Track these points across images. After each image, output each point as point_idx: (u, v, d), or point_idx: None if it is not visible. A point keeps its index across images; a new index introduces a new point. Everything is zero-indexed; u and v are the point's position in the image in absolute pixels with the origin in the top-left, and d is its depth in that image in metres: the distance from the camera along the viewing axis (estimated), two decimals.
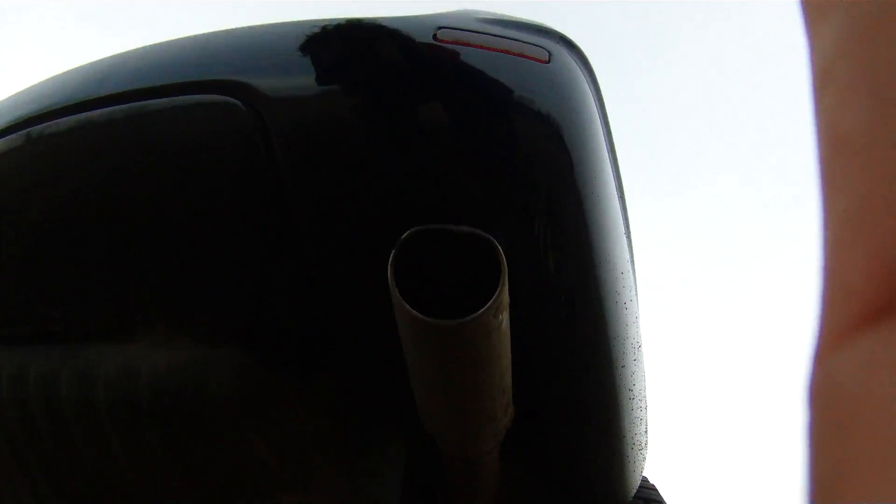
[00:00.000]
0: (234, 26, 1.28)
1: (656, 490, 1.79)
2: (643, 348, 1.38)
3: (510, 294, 1.04)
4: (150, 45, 1.30)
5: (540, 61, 1.11)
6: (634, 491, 1.52)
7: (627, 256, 1.30)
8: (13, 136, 1.29)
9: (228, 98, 1.15)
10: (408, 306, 1.01)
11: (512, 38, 1.11)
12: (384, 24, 1.14)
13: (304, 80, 1.15)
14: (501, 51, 1.10)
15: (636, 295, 1.37)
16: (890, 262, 0.16)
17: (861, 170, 0.18)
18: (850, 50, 0.19)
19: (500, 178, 1.10)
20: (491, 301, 1.00)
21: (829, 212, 0.18)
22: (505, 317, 1.05)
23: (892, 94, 0.18)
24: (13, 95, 1.39)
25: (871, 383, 0.16)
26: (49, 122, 1.27)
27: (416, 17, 1.15)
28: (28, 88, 1.38)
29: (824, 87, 0.20)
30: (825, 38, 0.20)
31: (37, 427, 1.37)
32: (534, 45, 1.11)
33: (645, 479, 1.76)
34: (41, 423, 1.37)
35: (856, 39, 0.19)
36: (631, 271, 1.33)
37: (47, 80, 1.37)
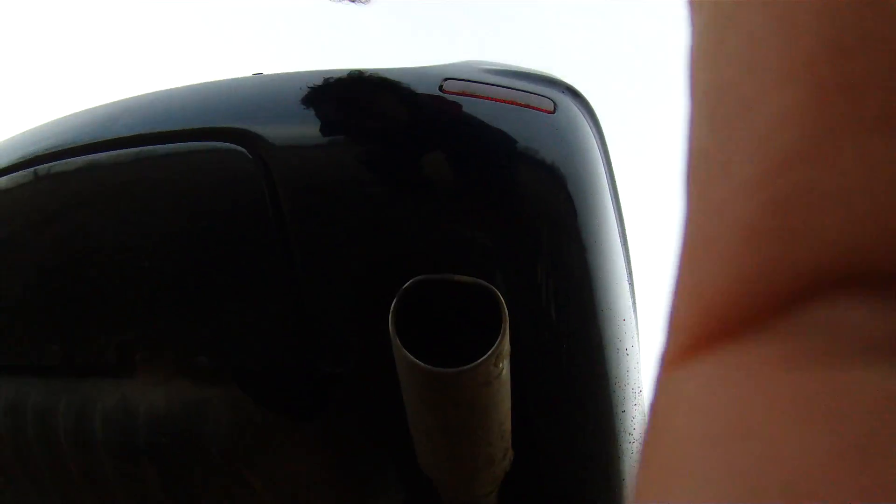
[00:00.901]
0: (239, 75, 1.29)
1: None
2: (643, 393, 1.38)
3: (511, 342, 1.03)
4: (160, 91, 1.32)
5: (545, 111, 1.11)
6: None
7: (630, 303, 1.30)
8: (20, 173, 1.30)
9: (235, 145, 1.15)
10: (408, 354, 1.01)
11: (517, 89, 1.12)
12: (390, 76, 1.14)
13: (309, 129, 1.16)
14: (507, 101, 1.11)
15: (638, 341, 1.37)
16: (741, 279, 0.15)
17: (714, 182, 0.17)
18: (702, 51, 0.19)
19: (502, 227, 1.11)
20: (491, 350, 1.00)
21: (687, 222, 0.17)
22: (505, 365, 1.05)
23: (731, 107, 0.17)
24: (21, 134, 1.40)
25: (690, 406, 0.15)
26: (56, 162, 1.28)
27: (421, 68, 1.15)
28: (36, 127, 1.40)
29: (691, 94, 0.19)
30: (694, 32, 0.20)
31: (33, 458, 1.37)
32: (539, 95, 1.12)
33: None
34: (37, 454, 1.36)
35: (710, 37, 0.18)
36: (633, 318, 1.33)
37: (56, 119, 1.39)
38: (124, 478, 1.32)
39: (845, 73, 0.15)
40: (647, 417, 0.17)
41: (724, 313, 0.15)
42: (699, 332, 0.16)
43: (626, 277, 1.29)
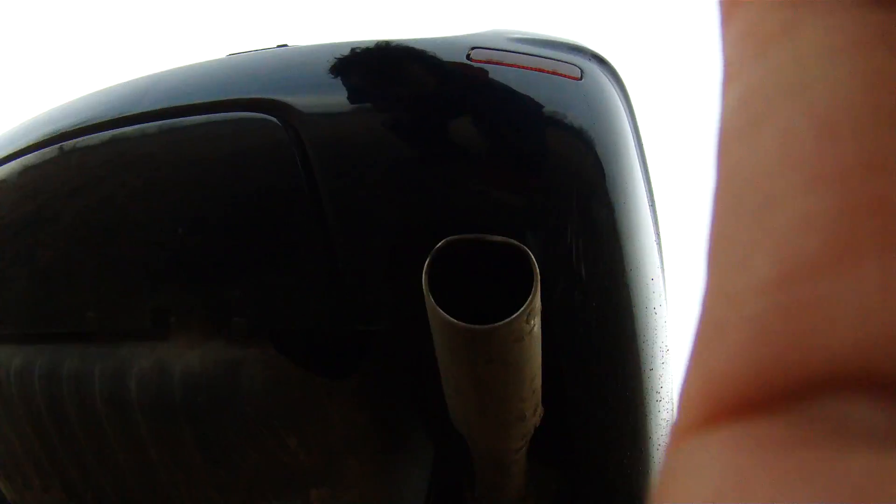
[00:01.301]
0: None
1: None
2: (671, 352, 1.39)
3: (542, 300, 1.05)
4: (187, 66, 1.34)
5: (572, 78, 1.13)
6: None
7: (658, 263, 1.32)
8: (47, 148, 1.33)
9: (265, 115, 1.17)
10: (441, 312, 1.03)
11: (544, 57, 1.13)
12: (417, 45, 1.16)
13: (338, 98, 1.19)
14: (534, 69, 1.13)
15: (666, 300, 1.38)
16: (751, 369, 0.16)
17: (733, 272, 0.16)
18: (734, 130, 0.18)
19: (532, 189, 1.13)
20: (523, 307, 1.02)
21: (704, 304, 0.17)
22: (536, 322, 1.07)
23: (758, 200, 0.16)
24: (48, 111, 1.42)
25: (694, 474, 0.16)
26: (83, 137, 1.30)
27: (449, 37, 1.17)
28: (63, 105, 1.41)
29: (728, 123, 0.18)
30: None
31: (69, 423, 1.40)
32: (566, 62, 1.13)
33: None
34: (73, 420, 1.39)
35: (744, 118, 0.18)
36: (661, 277, 1.35)
37: (84, 96, 1.41)
38: (160, 438, 1.35)
39: (877, 191, 0.15)
40: (654, 483, 0.18)
41: (733, 397, 0.16)
42: (709, 410, 0.16)
43: (654, 239, 1.31)
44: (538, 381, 1.14)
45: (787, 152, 0.16)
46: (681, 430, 0.16)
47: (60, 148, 1.32)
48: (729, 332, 0.16)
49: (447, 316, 1.03)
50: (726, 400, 0.15)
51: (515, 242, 1.06)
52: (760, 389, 0.15)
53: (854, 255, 0.15)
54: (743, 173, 0.17)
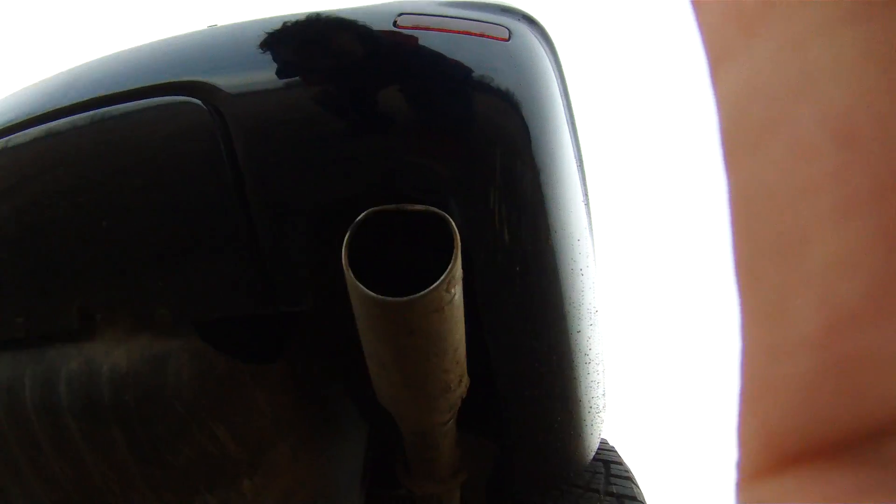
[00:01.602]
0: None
1: (615, 451, 1.82)
2: (601, 313, 1.40)
3: (464, 267, 1.04)
4: (111, 54, 1.32)
5: (500, 40, 1.12)
6: (593, 453, 1.55)
7: (585, 224, 1.33)
8: None
9: (188, 97, 1.15)
10: (360, 285, 1.02)
11: (472, 20, 1.12)
12: (344, 15, 1.14)
13: (264, 75, 1.17)
14: (462, 32, 1.12)
15: (594, 261, 1.39)
16: (804, 424, 0.16)
17: (772, 326, 0.16)
18: (741, 152, 0.16)
19: (455, 154, 1.13)
20: (442, 276, 1.01)
21: (744, 359, 0.17)
22: (458, 290, 1.06)
23: (786, 239, 0.15)
24: None
25: None
26: (12, 135, 1.28)
27: (377, 5, 1.16)
28: None
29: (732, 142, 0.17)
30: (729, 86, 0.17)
31: (2, 432, 1.36)
32: (494, 24, 1.13)
33: (604, 442, 1.79)
34: (5, 427, 1.36)
35: (751, 139, 0.16)
36: (589, 238, 1.35)
37: (15, 92, 1.39)
38: (92, 441, 1.32)
39: None
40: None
41: (795, 447, 0.16)
42: (773, 458, 0.16)
43: (581, 200, 1.30)
44: (462, 351, 1.13)
45: (809, 171, 0.15)
46: (747, 474, 0.16)
47: None
48: (775, 391, 0.16)
49: (366, 290, 1.01)
50: (788, 450, 0.16)
51: (435, 210, 1.05)
52: (822, 439, 0.15)
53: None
54: (763, 196, 0.16)
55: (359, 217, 1.05)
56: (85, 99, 1.24)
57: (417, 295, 1.01)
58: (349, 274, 1.02)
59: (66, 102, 1.26)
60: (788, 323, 0.15)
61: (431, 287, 1.01)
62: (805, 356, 0.15)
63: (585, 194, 1.38)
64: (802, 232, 0.15)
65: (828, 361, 0.15)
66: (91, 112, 1.23)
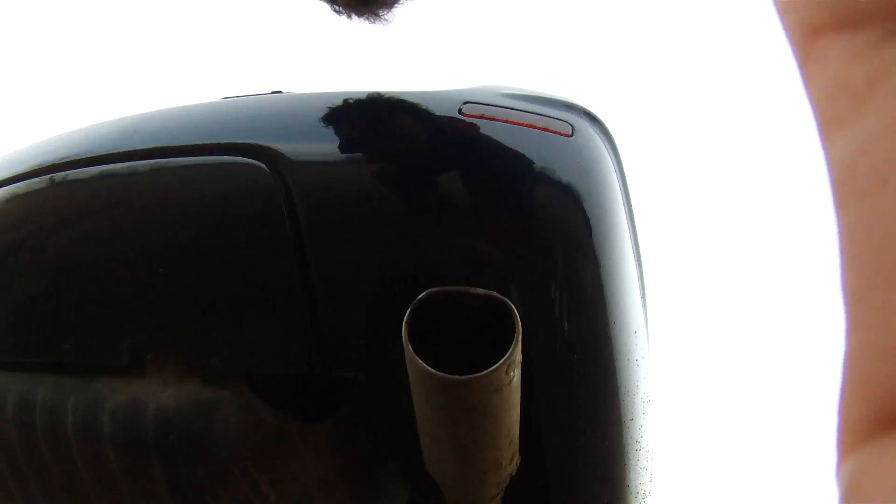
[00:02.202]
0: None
1: None
2: (653, 402, 1.39)
3: (523, 352, 1.05)
4: (180, 106, 1.35)
5: (563, 135, 1.14)
6: None
7: (641, 317, 1.33)
8: (38, 178, 1.33)
9: (253, 160, 1.17)
10: (420, 361, 1.03)
11: (536, 113, 1.14)
12: (409, 98, 1.17)
13: (327, 147, 1.19)
14: (525, 125, 1.14)
15: (649, 352, 1.39)
16: None
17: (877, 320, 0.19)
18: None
19: (517, 243, 1.14)
20: (503, 359, 1.02)
21: (852, 335, 0.20)
22: (516, 373, 1.07)
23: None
24: (41, 141, 1.42)
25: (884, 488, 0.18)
26: (73, 171, 1.30)
27: (442, 91, 1.18)
28: (56, 136, 1.42)
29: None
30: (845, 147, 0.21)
31: (40, 453, 1.38)
32: (557, 119, 1.14)
33: None
34: (45, 450, 1.38)
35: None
36: (645, 331, 1.36)
37: (77, 129, 1.41)
38: (130, 474, 1.34)
39: None
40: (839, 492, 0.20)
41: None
42: (876, 421, 0.19)
43: (639, 292, 1.31)
44: (516, 431, 1.13)
45: None
46: (853, 437, 0.19)
47: (51, 179, 1.32)
48: (886, 372, 0.18)
49: (426, 366, 1.02)
50: (890, 412, 0.18)
51: (497, 295, 1.06)
52: None
53: None
54: (872, 234, 0.19)
55: (421, 294, 1.06)
56: (151, 147, 1.27)
57: (478, 374, 1.02)
58: (409, 349, 1.04)
59: (130, 147, 1.28)
60: (889, 333, 0.18)
61: (492, 368, 1.02)
62: None
63: (643, 288, 1.39)
64: None
65: None
66: (153, 160, 1.25)
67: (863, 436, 0.19)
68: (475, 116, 1.15)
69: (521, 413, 1.12)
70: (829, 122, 0.20)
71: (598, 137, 1.19)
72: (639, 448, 1.31)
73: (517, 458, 1.19)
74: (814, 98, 0.21)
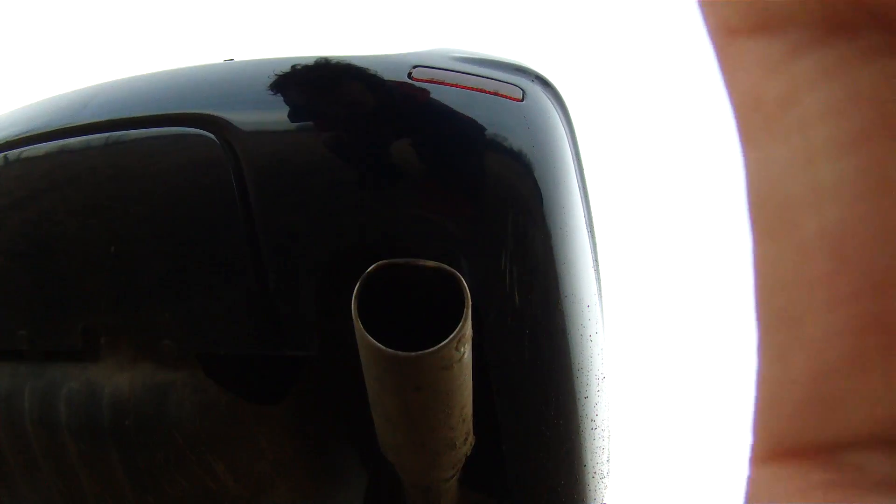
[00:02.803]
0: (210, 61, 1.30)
1: None
2: (608, 379, 1.39)
3: (474, 327, 1.04)
4: (130, 77, 1.32)
5: (514, 99, 1.12)
6: None
7: (595, 290, 1.32)
8: None
9: (203, 131, 1.15)
10: (369, 337, 1.01)
11: (487, 77, 1.13)
12: (358, 62, 1.15)
13: (277, 116, 1.17)
14: (475, 89, 1.12)
15: (603, 328, 1.38)
16: (803, 430, 0.20)
17: (775, 365, 0.21)
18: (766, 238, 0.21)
19: (467, 213, 1.12)
20: (453, 334, 1.01)
21: (761, 364, 0.21)
22: (467, 349, 1.05)
23: (789, 314, 0.21)
24: None
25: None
26: (26, 147, 1.29)
27: (391, 55, 1.16)
28: (5, 114, 1.39)
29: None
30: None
31: None
32: (508, 83, 1.13)
33: None
34: (3, 438, 1.36)
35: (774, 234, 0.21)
36: (598, 304, 1.35)
37: (25, 106, 1.39)
38: (88, 460, 1.32)
39: (881, 312, 0.19)
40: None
41: (792, 445, 0.20)
42: (777, 449, 0.21)
43: (592, 265, 1.30)
44: (469, 410, 1.12)
45: (810, 269, 0.20)
46: (759, 456, 0.21)
47: (5, 157, 1.30)
48: (784, 403, 0.20)
49: (375, 342, 1.01)
50: (787, 446, 0.20)
51: (447, 267, 1.05)
52: (810, 444, 0.20)
53: (865, 364, 0.19)
54: (779, 278, 0.20)
55: (369, 268, 1.04)
56: (101, 120, 1.25)
57: (427, 351, 1.01)
58: (358, 325, 1.02)
59: (80, 121, 1.26)
60: (789, 366, 0.20)
61: (441, 344, 1.00)
62: (801, 389, 0.20)
63: (596, 260, 1.38)
64: (805, 313, 0.20)
65: (817, 394, 0.20)
66: (105, 134, 1.23)
67: (763, 458, 0.21)
68: (425, 81, 1.13)
69: (473, 391, 1.11)
70: (746, 139, 0.21)
71: (549, 102, 1.17)
72: (594, 426, 1.30)
73: (472, 438, 1.18)
74: (733, 107, 0.21)
